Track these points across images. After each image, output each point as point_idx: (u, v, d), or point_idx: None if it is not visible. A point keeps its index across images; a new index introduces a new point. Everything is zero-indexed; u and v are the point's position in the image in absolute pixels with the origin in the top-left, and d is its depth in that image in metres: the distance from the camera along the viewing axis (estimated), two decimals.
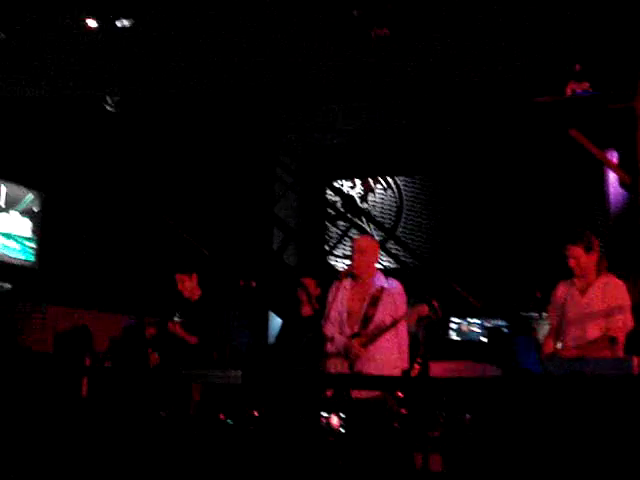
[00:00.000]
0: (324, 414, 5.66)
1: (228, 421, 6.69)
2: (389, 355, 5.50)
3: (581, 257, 5.11)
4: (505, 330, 8.11)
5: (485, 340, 8.32)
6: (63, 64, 7.96)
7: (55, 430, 5.91)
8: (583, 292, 5.17)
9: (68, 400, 6.55)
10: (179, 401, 6.49)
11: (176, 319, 6.79)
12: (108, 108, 8.30)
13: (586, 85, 5.26)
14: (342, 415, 5.59)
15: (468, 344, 8.29)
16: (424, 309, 5.50)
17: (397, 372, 5.51)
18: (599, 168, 8.08)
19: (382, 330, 5.47)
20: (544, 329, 6.03)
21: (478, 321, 8.34)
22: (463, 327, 8.35)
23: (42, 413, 6.14)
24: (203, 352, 6.67)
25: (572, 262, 5.14)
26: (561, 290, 5.32)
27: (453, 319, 8.38)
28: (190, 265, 7.14)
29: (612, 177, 7.50)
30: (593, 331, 5.06)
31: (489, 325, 8.30)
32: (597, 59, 5.31)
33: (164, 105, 8.96)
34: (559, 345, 5.36)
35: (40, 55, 7.80)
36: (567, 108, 5.40)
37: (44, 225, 8.96)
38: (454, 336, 8.39)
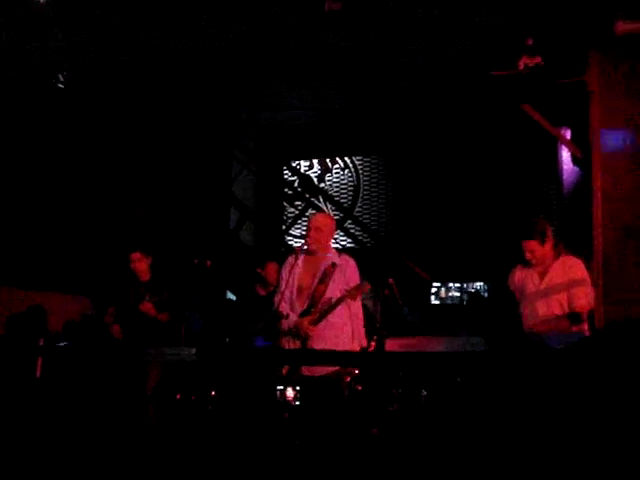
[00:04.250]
0: (279, 387, 5.64)
1: (186, 399, 6.68)
2: (340, 332, 5.48)
3: (536, 250, 5.18)
4: (484, 294, 8.23)
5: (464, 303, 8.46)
6: (12, 39, 7.78)
7: (9, 410, 5.84)
8: (542, 275, 5.23)
9: (22, 381, 6.47)
10: (135, 380, 6.46)
11: (147, 299, 6.71)
12: (59, 85, 8.13)
13: (538, 59, 5.28)
14: (297, 388, 5.58)
15: (447, 308, 8.40)
16: (365, 287, 5.53)
17: (352, 349, 5.51)
18: (553, 145, 8.15)
19: (331, 306, 5.46)
20: None
21: (458, 285, 8.44)
22: (441, 292, 8.47)
23: None
24: (173, 329, 6.65)
25: (528, 255, 5.21)
26: (519, 274, 5.39)
27: (433, 284, 8.49)
28: (145, 244, 7.06)
29: (565, 154, 7.57)
30: (554, 308, 5.12)
31: (469, 289, 8.42)
32: (549, 33, 5.33)
33: (117, 83, 8.82)
34: None
35: None
36: (520, 82, 5.42)
37: None
38: (434, 300, 8.51)
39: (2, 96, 8.50)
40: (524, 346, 4.88)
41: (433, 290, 8.56)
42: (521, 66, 5.26)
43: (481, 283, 8.41)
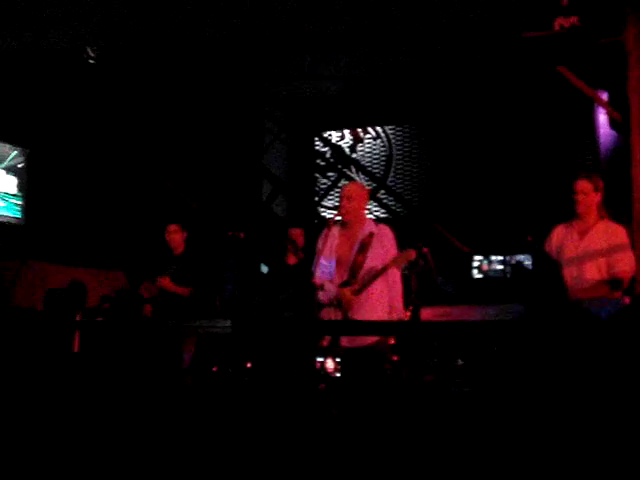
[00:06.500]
0: (319, 359, 5.62)
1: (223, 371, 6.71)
2: (378, 303, 5.43)
3: (589, 194, 5.05)
4: (527, 265, 8.04)
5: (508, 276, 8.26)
6: (43, 15, 7.77)
7: (47, 384, 5.90)
8: (582, 235, 5.10)
9: (60, 355, 6.55)
10: (170, 353, 6.50)
11: (167, 272, 6.75)
12: (89, 60, 8.13)
13: (574, 19, 5.15)
14: (337, 360, 5.56)
15: (490, 281, 8.22)
16: (412, 254, 5.43)
17: (389, 319, 5.46)
18: (589, 110, 8.01)
19: (373, 277, 5.39)
20: None
21: (501, 258, 8.24)
22: (483, 265, 8.28)
23: (34, 369, 6.13)
24: (195, 303, 6.66)
25: (580, 197, 5.06)
26: (557, 233, 5.25)
27: (475, 257, 8.30)
28: (179, 218, 7.09)
29: (602, 118, 7.41)
30: (592, 271, 4.99)
31: (512, 261, 8.21)
32: None
33: (149, 57, 8.79)
34: None
35: (19, 7, 7.61)
36: (555, 44, 5.29)
37: (29, 181, 8.85)
38: (476, 274, 8.30)
39: (34, 71, 8.54)
40: (568, 314, 4.78)
41: (475, 264, 8.36)
42: (556, 27, 5.13)
43: (525, 255, 8.21)
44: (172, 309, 6.64)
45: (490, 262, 8.26)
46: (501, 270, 8.23)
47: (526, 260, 8.03)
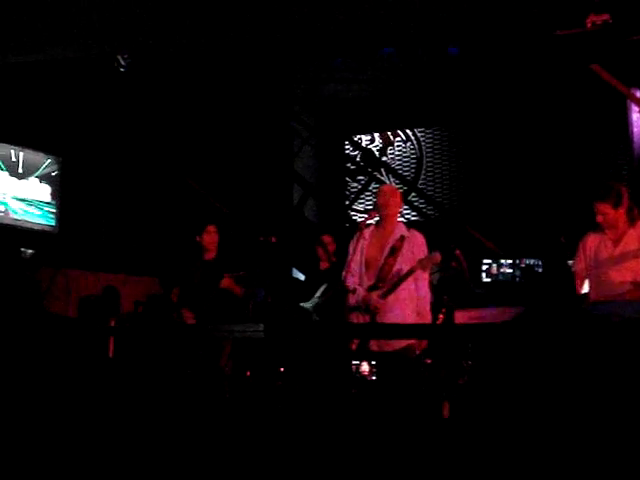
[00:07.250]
0: (355, 362, 5.61)
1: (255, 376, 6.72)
2: (406, 307, 5.41)
3: (609, 213, 5.00)
4: (539, 269, 7.94)
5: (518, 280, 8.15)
6: (74, 25, 7.86)
7: (83, 390, 5.95)
8: (616, 242, 5.07)
9: (95, 361, 6.60)
10: (207, 357, 6.53)
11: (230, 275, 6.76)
12: (120, 69, 8.22)
13: (606, 16, 5.11)
14: (372, 363, 5.55)
15: (500, 285, 8.12)
16: (437, 257, 5.42)
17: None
18: (622, 108, 7.91)
19: (400, 279, 5.38)
20: None
21: (510, 261, 8.12)
22: (492, 269, 8.16)
23: (70, 375, 6.19)
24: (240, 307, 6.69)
25: (600, 218, 5.03)
26: (592, 240, 5.20)
27: (484, 261, 8.19)
28: (212, 223, 7.11)
29: (636, 117, 7.34)
30: (626, 275, 4.97)
31: (522, 265, 8.09)
32: None
33: (179, 63, 8.85)
34: (586, 289, 5.26)
35: (51, 17, 7.70)
36: (588, 41, 5.26)
37: (63, 189, 8.94)
38: (485, 278, 8.18)
39: (66, 80, 8.63)
40: (585, 320, 4.73)
41: (484, 267, 8.24)
42: (588, 24, 5.09)
43: (535, 259, 8.10)
44: (224, 311, 6.64)
45: (499, 265, 8.15)
46: (510, 274, 8.12)
47: (536, 264, 7.93)
